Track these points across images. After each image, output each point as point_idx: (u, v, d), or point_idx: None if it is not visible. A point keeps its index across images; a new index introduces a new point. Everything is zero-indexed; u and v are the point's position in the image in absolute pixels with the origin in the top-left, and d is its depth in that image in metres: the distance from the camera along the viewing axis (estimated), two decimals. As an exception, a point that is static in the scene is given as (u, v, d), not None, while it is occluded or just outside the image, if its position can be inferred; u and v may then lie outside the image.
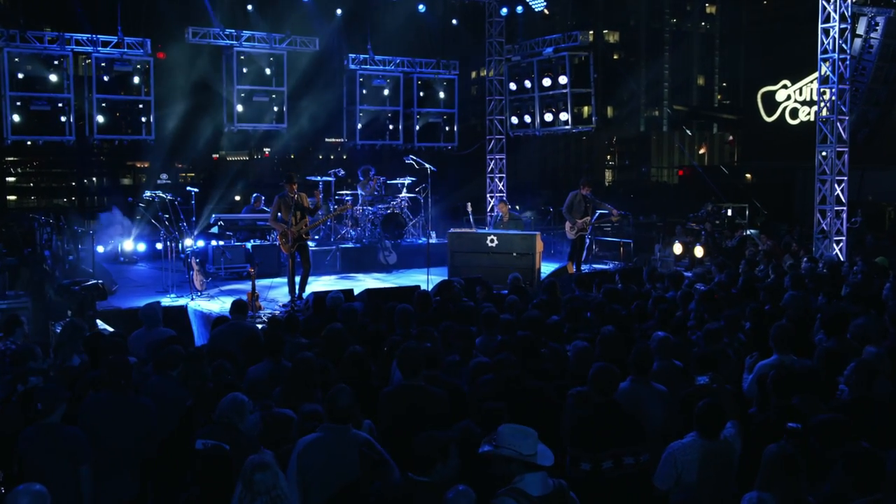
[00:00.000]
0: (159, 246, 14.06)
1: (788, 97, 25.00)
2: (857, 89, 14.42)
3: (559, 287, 9.07)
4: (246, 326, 7.46)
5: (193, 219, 13.55)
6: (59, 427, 4.76)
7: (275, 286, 12.02)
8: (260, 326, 8.25)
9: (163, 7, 16.08)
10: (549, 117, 16.66)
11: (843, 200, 13.92)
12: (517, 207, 16.66)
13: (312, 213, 10.91)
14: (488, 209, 17.97)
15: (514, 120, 17.51)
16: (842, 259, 13.13)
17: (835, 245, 13.89)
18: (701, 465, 4.40)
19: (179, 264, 12.39)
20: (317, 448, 4.30)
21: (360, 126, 16.40)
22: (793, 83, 24.80)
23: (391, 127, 16.77)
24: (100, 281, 10.34)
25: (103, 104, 13.79)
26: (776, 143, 25.06)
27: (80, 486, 4.73)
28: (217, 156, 38.16)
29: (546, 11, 16.64)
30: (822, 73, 13.91)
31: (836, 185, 13.86)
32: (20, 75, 13.22)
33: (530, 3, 16.21)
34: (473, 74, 33.94)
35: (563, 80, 16.18)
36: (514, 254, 12.32)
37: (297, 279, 10.81)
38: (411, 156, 14.93)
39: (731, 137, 44.80)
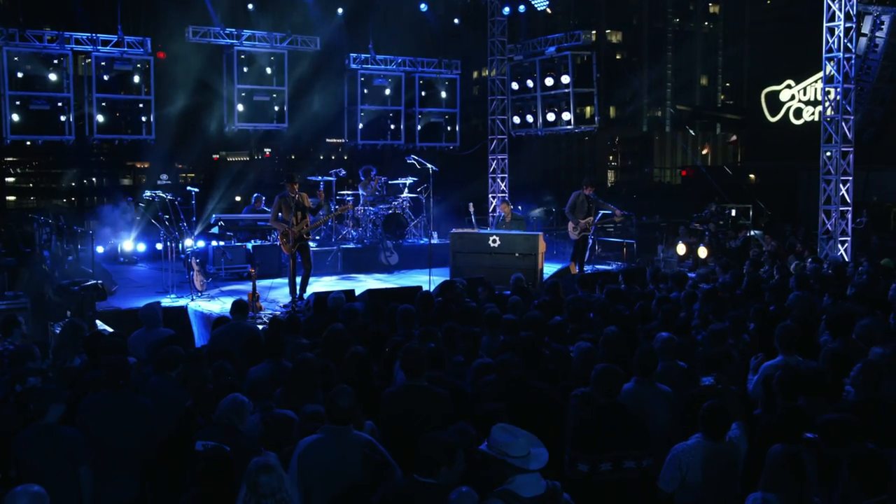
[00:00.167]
0: (159, 246, 14.02)
1: (792, 97, 24.92)
2: (862, 89, 14.35)
3: (562, 288, 9.03)
4: (246, 327, 7.42)
5: (194, 219, 13.50)
6: (56, 428, 4.73)
7: (275, 287, 11.97)
8: (261, 327, 8.20)
9: (163, 6, 16.04)
10: (551, 117, 16.59)
11: (848, 201, 13.86)
12: (520, 207, 16.59)
13: (314, 213, 10.85)
14: (490, 209, 17.90)
15: (517, 120, 17.44)
16: (847, 260, 13.04)
17: (839, 246, 13.82)
18: (705, 467, 4.37)
19: (179, 265, 12.35)
20: (318, 449, 4.28)
21: (361, 126, 16.36)
22: (797, 83, 24.71)
23: (393, 127, 16.72)
24: (99, 281, 10.31)
25: (103, 103, 13.75)
26: (780, 143, 24.98)
27: (79, 487, 4.71)
28: (217, 156, 38.16)
29: (549, 10, 16.56)
30: (827, 72, 13.84)
31: (840, 186, 13.80)
32: (19, 74, 13.18)
33: (532, 2, 16.14)
34: (475, 74, 33.94)
35: (565, 79, 16.11)
36: (517, 254, 12.26)
37: (298, 280, 10.75)
38: (413, 156, 14.86)
39: (734, 137, 44.71)
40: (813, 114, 23.84)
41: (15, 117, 13.12)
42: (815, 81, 23.33)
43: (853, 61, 13.66)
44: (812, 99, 24.08)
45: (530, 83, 16.82)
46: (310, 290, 10.67)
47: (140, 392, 5.42)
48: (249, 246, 13.34)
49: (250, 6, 15.20)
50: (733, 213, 17.56)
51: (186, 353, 5.91)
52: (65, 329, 7.30)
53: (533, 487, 3.58)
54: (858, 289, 8.24)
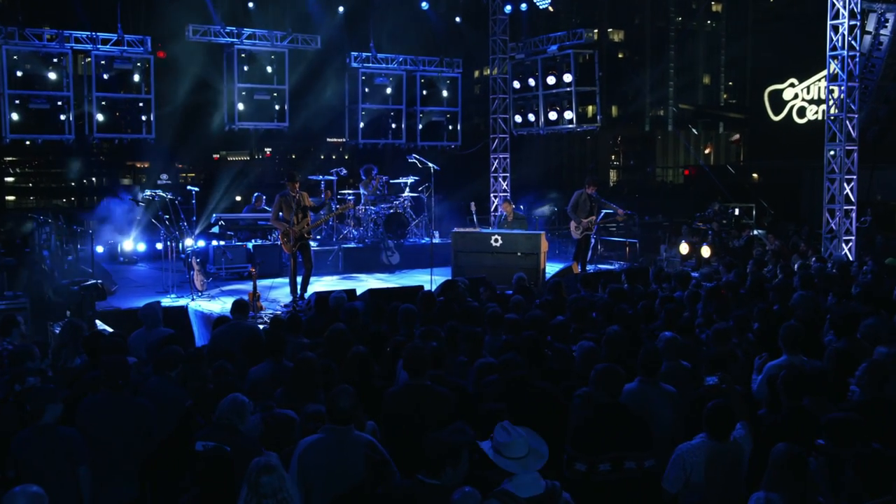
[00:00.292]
0: (159, 246, 13.99)
1: (796, 96, 24.86)
2: (866, 87, 14.30)
3: (564, 287, 8.98)
4: (247, 326, 7.39)
5: (194, 218, 13.45)
6: (55, 428, 4.71)
7: (276, 286, 11.95)
8: (262, 327, 8.18)
9: (163, 4, 15.97)
10: (553, 116, 16.54)
11: (853, 200, 13.78)
12: (521, 207, 16.54)
13: (317, 211, 10.80)
14: (492, 209, 17.84)
15: (518, 118, 17.39)
16: (851, 259, 12.97)
17: (844, 245, 13.75)
18: (708, 467, 4.34)
19: (180, 264, 12.31)
20: (318, 449, 4.25)
21: (362, 125, 16.32)
22: (800, 81, 24.65)
23: (394, 126, 16.67)
24: (99, 281, 10.30)
25: (103, 102, 13.71)
26: (783, 142, 24.92)
27: (78, 487, 4.69)
28: (218, 156, 38.14)
29: (550, 8, 16.48)
30: (831, 70, 13.76)
31: (845, 184, 13.72)
32: (19, 73, 13.13)
33: (534, 0, 16.06)
34: (476, 73, 33.88)
35: (567, 78, 16.05)
36: (519, 253, 12.21)
37: (299, 279, 10.72)
38: (414, 155, 14.80)
39: (736, 136, 44.61)
40: (816, 112, 23.79)
41: (14, 116, 13.07)
42: (819, 80, 23.28)
43: (857, 59, 13.57)
44: (815, 97, 24.03)
45: (532, 82, 16.77)
46: (311, 289, 10.63)
47: (139, 392, 5.40)
48: (250, 245, 13.31)
49: (251, 5, 15.16)
50: (736, 212, 17.50)
51: (186, 352, 5.88)
52: (64, 329, 7.28)
53: (531, 487, 3.56)
54: (863, 288, 8.20)
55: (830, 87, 13.87)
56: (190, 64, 16.28)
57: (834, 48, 13.62)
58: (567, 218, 13.53)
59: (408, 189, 15.09)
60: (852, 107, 13.57)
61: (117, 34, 13.80)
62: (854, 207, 13.83)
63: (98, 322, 9.46)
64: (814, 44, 16.66)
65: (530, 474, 3.59)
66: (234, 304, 7.54)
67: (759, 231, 16.59)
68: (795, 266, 10.71)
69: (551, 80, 16.33)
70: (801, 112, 24.69)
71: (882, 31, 14.05)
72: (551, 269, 13.16)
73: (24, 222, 13.67)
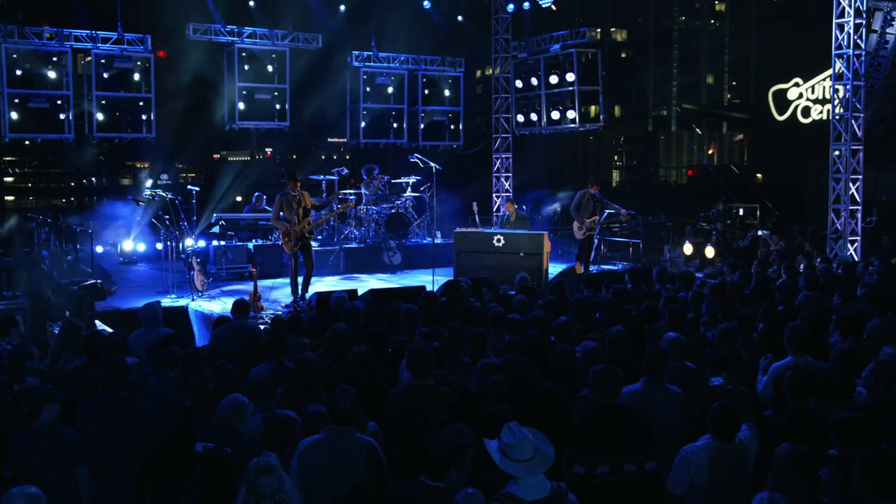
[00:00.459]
0: (159, 246, 13.94)
1: (800, 95, 24.77)
2: (872, 86, 14.19)
3: (567, 287, 8.94)
4: (248, 327, 7.37)
5: (194, 218, 13.40)
6: (52, 428, 4.68)
7: (277, 287, 11.91)
8: (262, 327, 8.14)
9: (163, 3, 15.96)
10: (556, 115, 16.47)
11: (858, 200, 13.73)
12: (524, 207, 16.47)
13: (319, 210, 10.73)
14: (494, 209, 17.76)
15: (521, 118, 17.31)
16: (857, 259, 12.88)
17: (849, 245, 13.67)
18: (713, 468, 4.31)
19: (180, 264, 12.27)
20: (318, 450, 4.23)
21: (363, 124, 16.26)
22: (805, 81, 24.55)
23: (395, 125, 16.62)
24: (98, 281, 10.26)
25: (103, 101, 13.67)
26: (787, 142, 24.85)
27: (77, 488, 4.66)
28: (218, 156, 38.12)
29: (553, 7, 16.40)
30: (837, 69, 13.70)
31: (850, 184, 13.65)
32: (18, 72, 13.08)
33: (537, -1, 15.99)
34: (478, 73, 33.79)
35: (570, 77, 15.99)
36: (522, 254, 12.14)
37: (300, 279, 10.65)
38: (416, 154, 14.74)
39: (740, 136, 44.48)
40: (821, 112, 23.71)
41: (14, 115, 13.04)
42: (824, 79, 23.20)
43: (863, 58, 13.49)
44: (820, 97, 23.95)
45: (534, 81, 16.71)
46: (312, 290, 10.57)
47: (138, 392, 5.38)
48: (251, 245, 13.25)
49: (251, 3, 15.09)
50: (741, 212, 17.41)
51: (185, 353, 5.86)
52: (63, 329, 7.21)
53: (537, 490, 3.53)
54: (869, 289, 8.18)
55: (836, 87, 13.81)
56: (190, 63, 16.21)
57: (839, 47, 13.56)
58: (570, 218, 13.47)
59: (409, 189, 15.02)
60: (858, 106, 13.50)
61: (117, 33, 13.76)
62: (860, 207, 13.78)
63: (98, 322, 9.42)
64: (818, 43, 16.61)
65: (535, 476, 3.55)
66: (235, 304, 7.50)
67: (764, 231, 16.49)
68: (801, 267, 10.65)
69: (554, 79, 16.27)
70: (806, 112, 24.60)
71: (888, 30, 13.92)
72: (554, 269, 13.08)
73: (23, 222, 13.62)
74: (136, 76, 13.89)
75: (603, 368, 4.69)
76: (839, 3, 13.44)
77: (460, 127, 17.28)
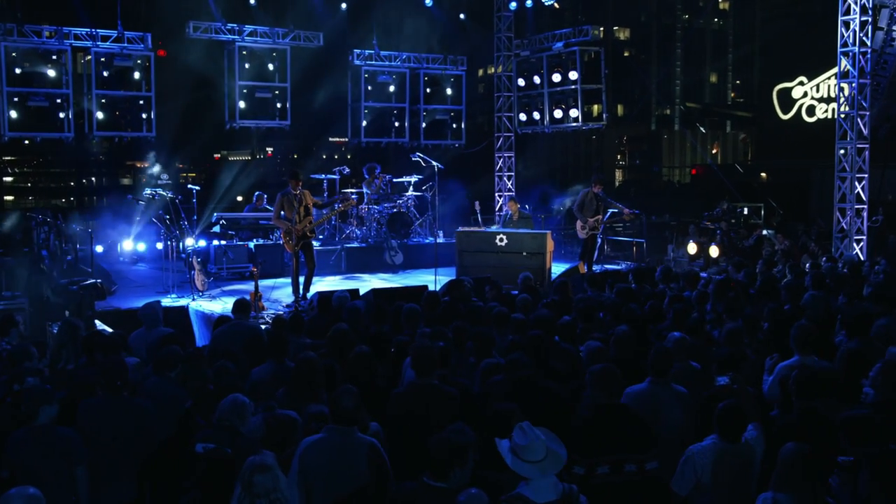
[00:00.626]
0: (160, 245, 13.90)
1: (805, 94, 24.69)
2: (878, 84, 14.09)
3: (571, 287, 8.89)
4: (249, 326, 7.36)
5: (195, 218, 13.36)
6: (51, 429, 4.66)
7: (278, 286, 11.89)
8: (263, 327, 8.11)
9: (163, 1, 15.88)
10: (558, 114, 16.42)
11: (864, 199, 13.62)
12: (527, 207, 16.38)
13: (321, 208, 10.67)
14: (496, 208, 17.69)
15: (523, 117, 17.24)
16: (862, 259, 12.79)
17: (855, 244, 13.57)
18: (718, 468, 4.29)
19: (180, 264, 12.25)
20: (319, 450, 4.22)
21: (365, 123, 16.20)
22: (809, 80, 24.47)
23: (397, 124, 16.55)
24: (98, 281, 10.25)
25: (103, 100, 13.62)
26: (792, 141, 24.77)
27: (76, 488, 4.65)
28: (219, 156, 38.08)
29: (556, 5, 16.33)
30: (842, 67, 13.61)
31: (856, 183, 13.56)
32: (17, 70, 13.03)
33: (540, -3, 15.89)
34: (480, 72, 33.70)
35: (573, 75, 15.93)
36: (525, 253, 12.08)
37: (301, 279, 10.62)
38: (418, 153, 14.67)
39: (743, 136, 44.36)
40: (826, 111, 23.63)
41: (13, 114, 12.99)
42: (828, 78, 23.11)
43: (869, 55, 13.39)
44: (825, 96, 23.88)
45: (537, 79, 16.66)
46: (313, 289, 10.54)
47: (138, 393, 5.37)
48: (251, 245, 13.21)
49: (252, 1, 15.02)
50: (745, 211, 17.32)
51: (186, 352, 5.85)
52: (61, 329, 7.20)
53: (548, 492, 3.50)
54: (875, 288, 8.13)
55: (841, 85, 13.72)
56: (190, 61, 16.15)
57: (845, 44, 13.46)
58: (573, 218, 13.40)
59: (411, 188, 14.95)
60: (864, 104, 13.41)
61: (117, 31, 13.70)
62: (865, 206, 13.67)
63: (97, 322, 9.40)
64: (823, 41, 16.49)
65: (547, 478, 3.52)
66: (236, 304, 7.49)
67: (769, 231, 16.40)
68: (806, 266, 10.57)
69: (557, 77, 16.22)
70: (811, 110, 24.52)
71: (894, 27, 13.81)
72: (557, 269, 13.01)
73: (22, 221, 13.57)
74: (137, 75, 13.84)
75: (601, 368, 4.67)
76: (845, 1, 13.34)
77: (462, 126, 17.21)
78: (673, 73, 49.18)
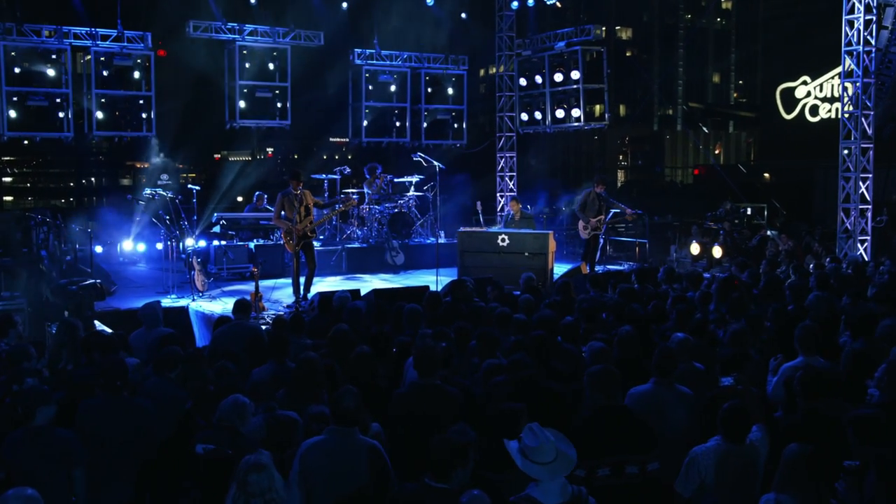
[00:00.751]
0: (159, 246, 13.86)
1: (808, 94, 24.63)
2: (882, 83, 14.04)
3: (573, 287, 8.87)
4: (249, 327, 7.35)
5: (195, 218, 13.31)
6: (48, 430, 4.62)
7: (279, 287, 11.83)
8: (264, 327, 8.08)
9: (163, 0, 15.83)
10: (560, 113, 16.35)
11: (868, 199, 13.56)
12: (528, 207, 16.31)
13: (323, 207, 10.64)
14: (498, 208, 17.63)
15: (525, 117, 17.17)
16: (867, 259, 12.71)
17: (859, 245, 13.50)
18: (722, 469, 4.26)
19: (180, 264, 12.22)
20: (320, 451, 4.21)
21: (365, 123, 16.13)
22: (813, 79, 24.41)
23: (398, 124, 16.48)
24: (98, 281, 10.20)
25: (102, 100, 13.57)
26: (795, 141, 24.72)
27: (74, 490, 4.61)
28: (219, 156, 38.06)
29: (558, 4, 16.27)
30: (846, 66, 13.54)
31: (860, 183, 13.49)
32: (17, 70, 12.98)
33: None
34: (482, 72, 33.65)
35: (575, 75, 15.86)
36: (526, 253, 12.05)
37: (302, 279, 10.58)
38: (419, 153, 14.61)
39: (749, 139, 44.30)
40: (829, 111, 23.57)
41: (12, 113, 12.94)
42: (832, 77, 23.04)
43: (873, 54, 13.31)
44: (828, 96, 23.82)
45: (539, 79, 16.60)
46: (314, 290, 10.50)
47: (138, 393, 5.36)
48: (252, 245, 13.17)
49: (252, 0, 14.94)
50: (748, 212, 17.25)
51: (186, 353, 5.83)
52: (60, 329, 7.19)
53: (557, 494, 3.48)
54: (879, 289, 8.06)
55: (845, 84, 13.65)
56: (190, 61, 16.11)
57: (849, 43, 13.38)
58: (574, 218, 13.34)
59: (412, 188, 14.90)
60: (868, 103, 13.34)
61: (117, 30, 13.65)
62: (870, 207, 13.61)
63: (97, 323, 9.37)
64: (827, 40, 16.42)
65: (557, 479, 3.50)
66: (236, 304, 7.47)
67: (772, 231, 16.33)
68: (810, 267, 10.51)
69: (559, 77, 16.16)
70: (814, 110, 24.45)
71: (899, 26, 13.73)
72: (559, 269, 12.95)
73: (21, 222, 13.51)
74: (136, 74, 13.79)
75: (599, 370, 4.65)
76: (849, 0, 13.27)
77: (464, 125, 17.15)
78: (675, 73, 49.15)
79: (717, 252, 14.63)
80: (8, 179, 41.41)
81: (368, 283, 12.53)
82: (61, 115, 13.24)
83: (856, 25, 13.21)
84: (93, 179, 39.79)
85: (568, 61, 15.99)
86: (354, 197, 13.23)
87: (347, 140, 17.54)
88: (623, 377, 5.29)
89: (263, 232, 13.56)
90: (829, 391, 4.77)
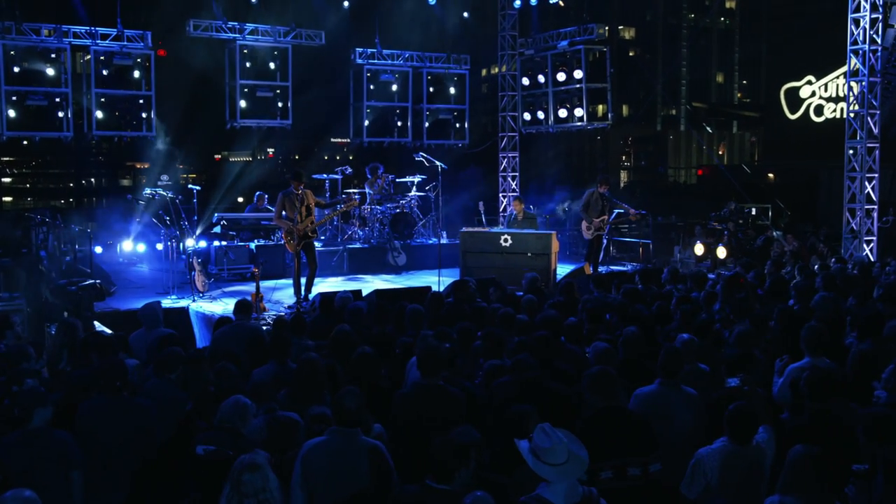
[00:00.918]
0: (160, 246, 13.82)
1: (813, 93, 24.55)
2: (888, 82, 13.96)
3: (576, 288, 8.81)
4: (250, 327, 7.33)
5: (195, 218, 13.27)
6: (45, 432, 4.60)
7: (279, 287, 11.80)
8: (265, 328, 8.08)
9: (163, -1, 15.79)
10: (563, 113, 16.26)
11: (874, 199, 13.49)
12: (531, 207, 16.23)
13: (324, 207, 10.59)
14: (500, 209, 17.55)
15: (527, 116, 17.10)
16: (873, 260, 12.62)
17: (865, 245, 13.40)
18: (728, 471, 4.25)
19: (181, 265, 12.20)
20: (321, 452, 4.20)
21: (367, 123, 16.05)
22: (818, 79, 24.35)
23: (399, 123, 16.41)
24: (97, 281, 10.20)
25: (102, 99, 13.51)
26: (800, 141, 24.66)
27: (71, 492, 4.59)
28: (219, 156, 38.08)
29: (561, 3, 16.18)
30: (852, 65, 13.47)
31: (866, 183, 13.41)
32: (16, 69, 12.92)
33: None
34: (484, 72, 33.57)
35: (578, 74, 15.77)
36: (529, 254, 12.01)
37: (303, 280, 10.55)
38: (421, 153, 14.54)
39: (753, 139, 44.23)
40: (834, 111, 23.48)
41: (11, 113, 12.88)
42: (837, 77, 22.94)
43: (879, 53, 13.23)
44: (833, 95, 23.74)
45: (541, 78, 16.53)
46: (315, 290, 10.47)
47: (138, 394, 5.34)
48: (252, 246, 13.14)
49: (253, -1, 14.91)
50: (753, 212, 17.16)
51: (187, 354, 5.81)
52: (59, 329, 7.19)
53: (568, 494, 3.45)
54: (886, 289, 7.97)
55: (851, 83, 13.59)
56: (191, 60, 16.05)
57: (855, 42, 13.31)
58: (578, 218, 13.28)
59: (414, 188, 14.85)
60: (874, 103, 13.27)
61: (117, 29, 13.59)
62: (875, 206, 13.54)
63: (96, 323, 9.35)
64: (832, 40, 16.32)
65: (568, 481, 3.47)
66: (237, 305, 7.44)
67: (777, 232, 16.23)
68: (815, 267, 10.44)
69: (561, 76, 16.08)
70: (819, 110, 24.37)
71: (905, 25, 13.63)
72: (562, 270, 12.89)
73: (21, 222, 13.47)
74: (136, 73, 13.72)
75: (597, 371, 4.64)
76: (854, -2, 13.19)
77: (466, 125, 17.06)
78: (679, 73, 49.12)
79: (721, 253, 14.56)
80: (7, 179, 41.54)
81: (370, 284, 12.48)
82: (61, 114, 13.17)
83: (862, 24, 13.13)
84: (92, 180, 39.89)
85: (571, 61, 15.91)
86: (356, 197, 13.17)
87: (349, 140, 17.48)
88: (628, 378, 5.27)
89: (264, 232, 13.51)
90: (836, 392, 4.74)
